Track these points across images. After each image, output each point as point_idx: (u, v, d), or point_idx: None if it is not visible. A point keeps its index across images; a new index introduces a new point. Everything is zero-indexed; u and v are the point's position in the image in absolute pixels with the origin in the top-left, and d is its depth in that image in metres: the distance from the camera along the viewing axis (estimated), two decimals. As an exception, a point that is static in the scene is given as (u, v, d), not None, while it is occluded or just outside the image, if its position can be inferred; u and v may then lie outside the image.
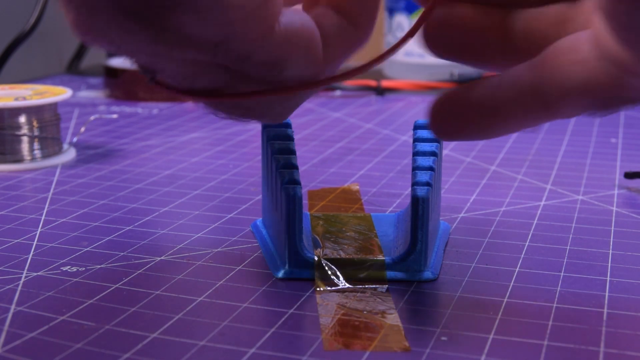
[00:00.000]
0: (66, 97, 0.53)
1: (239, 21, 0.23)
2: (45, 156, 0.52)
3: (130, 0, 0.22)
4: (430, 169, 0.35)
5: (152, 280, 0.34)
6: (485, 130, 0.27)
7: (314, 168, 0.52)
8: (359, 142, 0.59)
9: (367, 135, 0.61)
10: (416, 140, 0.36)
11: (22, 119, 0.51)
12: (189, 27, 0.23)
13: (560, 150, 0.56)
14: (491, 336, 0.29)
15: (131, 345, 0.28)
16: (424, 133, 0.37)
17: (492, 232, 0.39)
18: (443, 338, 0.29)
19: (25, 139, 0.52)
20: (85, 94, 0.78)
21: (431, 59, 0.86)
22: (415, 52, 0.85)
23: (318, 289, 0.33)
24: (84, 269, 0.35)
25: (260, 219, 0.40)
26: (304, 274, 0.34)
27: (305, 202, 0.44)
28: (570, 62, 0.24)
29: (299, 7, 0.27)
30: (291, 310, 0.31)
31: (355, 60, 0.30)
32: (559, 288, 0.33)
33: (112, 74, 0.77)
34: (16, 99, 0.51)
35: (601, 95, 0.24)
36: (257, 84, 0.26)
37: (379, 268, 0.34)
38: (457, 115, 0.27)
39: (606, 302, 0.31)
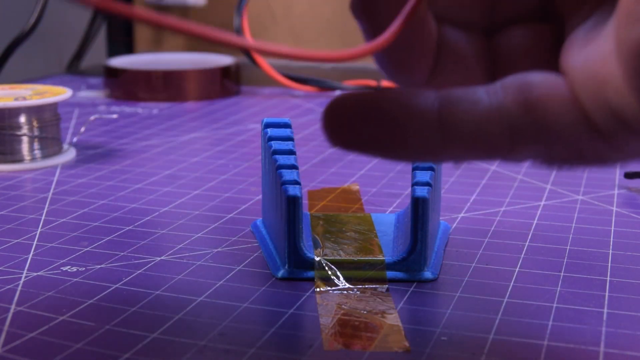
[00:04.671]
0: (66, 97, 0.53)
1: None
2: (45, 156, 0.52)
3: None
4: (430, 169, 0.35)
5: (152, 280, 0.34)
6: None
7: (314, 168, 0.52)
8: (359, 142, 0.59)
9: (367, 135, 0.61)
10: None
11: (22, 119, 0.51)
12: None
13: (560, 150, 0.56)
14: (491, 336, 0.29)
15: (131, 345, 0.28)
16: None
17: (492, 232, 0.39)
18: (443, 338, 0.29)
19: (25, 139, 0.52)
20: (85, 94, 0.78)
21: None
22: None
23: (318, 289, 0.33)
24: (84, 269, 0.35)
25: (260, 219, 0.40)
26: (304, 274, 0.34)
27: (305, 202, 0.44)
28: (555, 102, 0.21)
29: None
30: (291, 310, 0.31)
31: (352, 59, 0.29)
32: (559, 288, 0.33)
33: (112, 74, 0.77)
34: (16, 99, 0.51)
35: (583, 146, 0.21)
36: None
37: (379, 268, 0.34)
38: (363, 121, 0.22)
39: (606, 302, 0.31)
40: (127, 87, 0.76)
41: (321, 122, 0.22)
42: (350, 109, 0.22)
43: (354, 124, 0.22)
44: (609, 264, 0.35)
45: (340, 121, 0.22)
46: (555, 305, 0.31)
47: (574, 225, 0.41)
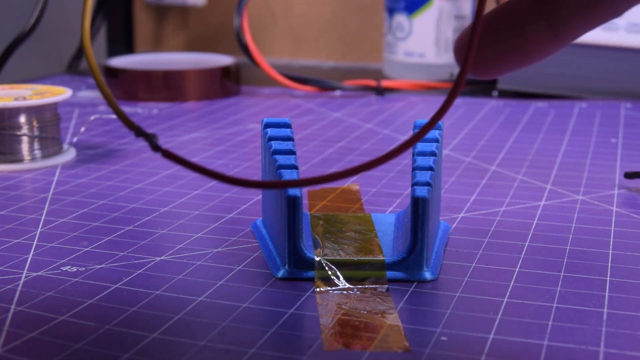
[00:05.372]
0: (66, 97, 0.53)
1: None
2: (45, 156, 0.52)
3: None
4: (430, 169, 0.35)
5: (152, 280, 0.34)
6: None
7: (314, 168, 0.52)
8: (359, 142, 0.59)
9: (367, 135, 0.62)
10: (416, 140, 0.36)
11: (22, 119, 0.51)
12: None
13: (560, 150, 0.56)
14: (491, 336, 0.29)
15: (131, 345, 0.28)
16: (424, 133, 0.36)
17: (492, 232, 0.39)
18: (443, 338, 0.29)
19: (25, 139, 0.52)
20: (85, 94, 0.78)
21: (431, 59, 0.86)
22: (415, 52, 0.85)
23: (318, 289, 0.33)
24: (84, 269, 0.35)
25: (260, 219, 0.40)
26: (304, 274, 0.34)
27: (305, 202, 0.44)
28: None
29: None
30: (291, 310, 0.31)
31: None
32: (559, 288, 0.33)
33: (112, 74, 0.77)
34: (16, 99, 0.51)
35: None
36: None
37: (379, 268, 0.34)
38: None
39: (606, 302, 0.31)
40: (127, 87, 0.76)
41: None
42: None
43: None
44: (609, 264, 0.35)
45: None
46: (555, 305, 0.31)
47: (574, 225, 0.41)
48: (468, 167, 0.52)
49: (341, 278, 0.33)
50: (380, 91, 0.78)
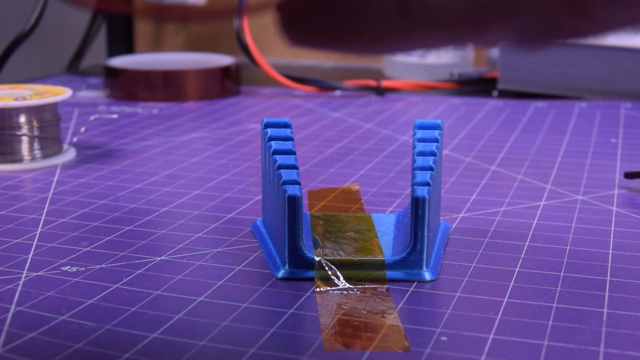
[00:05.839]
0: (66, 97, 0.53)
1: None
2: (45, 156, 0.52)
3: None
4: (430, 169, 0.35)
5: (152, 280, 0.34)
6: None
7: (314, 168, 0.52)
8: (359, 142, 0.59)
9: (367, 135, 0.61)
10: (416, 140, 0.36)
11: (22, 119, 0.51)
12: None
13: (560, 150, 0.56)
14: (491, 336, 0.29)
15: (131, 345, 0.28)
16: (424, 133, 0.37)
17: (492, 232, 0.39)
18: (443, 338, 0.29)
19: (25, 139, 0.52)
20: (85, 94, 0.78)
21: (431, 59, 0.86)
22: (415, 52, 0.85)
23: (318, 289, 0.33)
24: (84, 269, 0.35)
25: (260, 219, 0.40)
26: (304, 274, 0.34)
27: (305, 202, 0.44)
28: None
29: None
30: (291, 310, 0.31)
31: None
32: (559, 288, 0.33)
33: (112, 74, 0.77)
34: (16, 99, 0.51)
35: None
36: None
37: (379, 268, 0.34)
38: None
39: (606, 302, 0.31)
40: (127, 87, 0.76)
41: (277, 22, 0.22)
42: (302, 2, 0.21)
43: (309, 17, 0.21)
44: (609, 264, 0.35)
45: (294, 15, 0.21)
46: (555, 305, 0.31)
47: (574, 225, 0.41)
48: (468, 167, 0.52)
49: (341, 278, 0.33)
50: (380, 91, 0.78)
